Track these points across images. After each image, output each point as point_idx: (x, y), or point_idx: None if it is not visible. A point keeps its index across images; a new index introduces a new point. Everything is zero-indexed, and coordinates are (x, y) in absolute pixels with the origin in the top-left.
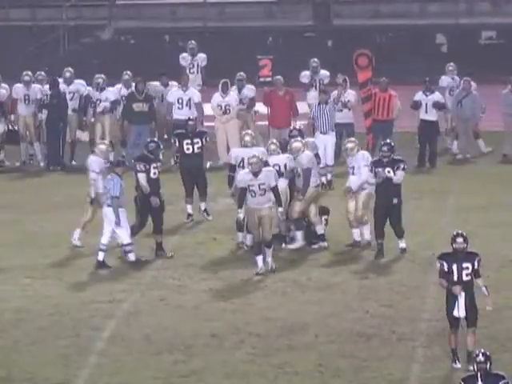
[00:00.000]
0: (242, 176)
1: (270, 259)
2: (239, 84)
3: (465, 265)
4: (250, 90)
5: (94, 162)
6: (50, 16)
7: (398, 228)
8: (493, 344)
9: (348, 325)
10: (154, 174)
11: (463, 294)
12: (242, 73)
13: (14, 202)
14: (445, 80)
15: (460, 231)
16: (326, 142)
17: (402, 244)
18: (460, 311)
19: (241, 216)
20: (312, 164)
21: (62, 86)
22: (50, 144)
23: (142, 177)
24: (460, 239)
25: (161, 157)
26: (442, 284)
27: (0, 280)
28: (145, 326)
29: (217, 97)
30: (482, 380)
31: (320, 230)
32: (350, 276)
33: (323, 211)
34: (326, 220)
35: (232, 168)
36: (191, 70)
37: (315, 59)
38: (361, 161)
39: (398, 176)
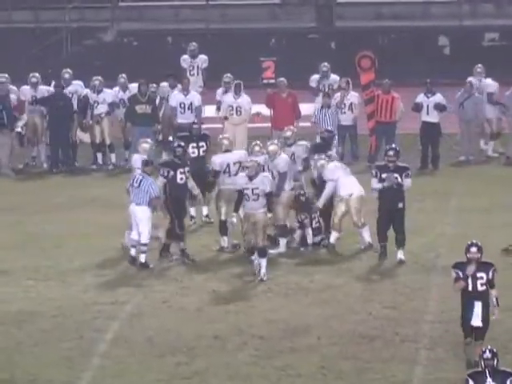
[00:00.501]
0: (240, 179)
1: (263, 270)
2: (226, 86)
3: (479, 275)
4: (227, 93)
5: (138, 160)
6: (53, 18)
7: (401, 235)
8: (495, 346)
9: (351, 327)
10: (181, 179)
11: (479, 303)
12: (229, 75)
13: (16, 203)
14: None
15: (474, 241)
16: None
17: (401, 255)
18: (477, 320)
19: (234, 220)
20: (288, 168)
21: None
22: (54, 146)
23: (160, 181)
24: (474, 249)
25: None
26: (459, 285)
27: (3, 282)
28: (148, 328)
29: (229, 97)
30: (489, 376)
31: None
32: (353, 278)
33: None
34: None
35: (216, 174)
36: (191, 72)
37: (325, 63)
38: (329, 175)
39: (406, 183)
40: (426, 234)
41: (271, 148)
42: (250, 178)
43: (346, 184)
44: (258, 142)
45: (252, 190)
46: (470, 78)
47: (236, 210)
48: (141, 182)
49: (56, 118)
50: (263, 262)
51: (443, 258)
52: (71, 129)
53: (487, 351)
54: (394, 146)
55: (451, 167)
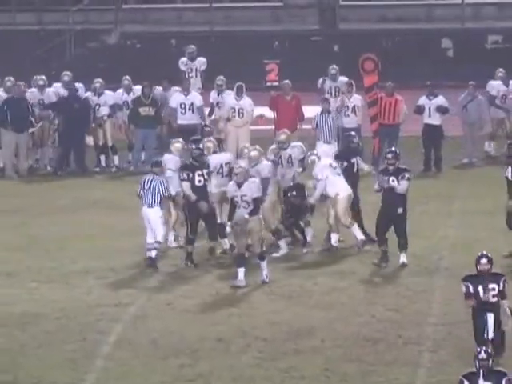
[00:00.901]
0: (230, 187)
1: (264, 272)
2: (219, 89)
3: (491, 286)
4: (228, 96)
5: (170, 160)
6: (57, 20)
7: (403, 239)
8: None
9: (354, 329)
10: (199, 181)
11: (492, 314)
12: (222, 77)
13: (20, 205)
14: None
15: (484, 252)
16: (328, 152)
17: (403, 259)
18: (490, 333)
19: (227, 229)
20: (270, 173)
21: (61, 90)
22: (65, 149)
23: (185, 185)
24: (484, 260)
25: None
26: (469, 304)
27: (7, 283)
28: (151, 330)
29: (231, 100)
30: (484, 377)
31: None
32: (356, 281)
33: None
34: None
35: (208, 175)
36: (190, 75)
37: (334, 66)
38: (318, 173)
39: (401, 186)
40: (429, 237)
41: (253, 154)
42: (239, 185)
43: (334, 184)
44: (247, 144)
45: (241, 197)
46: (491, 81)
47: (230, 218)
48: (151, 182)
49: (71, 121)
50: (263, 264)
51: (446, 261)
52: (86, 131)
53: (482, 352)
54: (393, 149)
55: (454, 169)
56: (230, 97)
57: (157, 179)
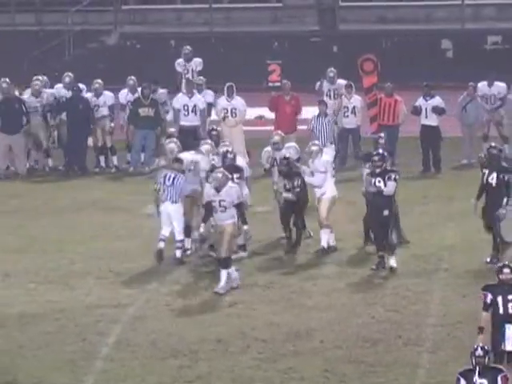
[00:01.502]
0: (207, 190)
1: (221, 284)
2: (199, 88)
3: (510, 297)
4: (208, 96)
5: (203, 160)
6: (56, 21)
7: (389, 243)
8: None
9: (354, 330)
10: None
11: (511, 326)
12: (201, 77)
13: (19, 206)
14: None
15: (507, 262)
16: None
17: (392, 262)
18: (508, 344)
19: (201, 230)
20: (247, 173)
21: (63, 91)
22: (71, 149)
23: (207, 187)
24: (507, 270)
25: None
26: (483, 320)
27: (5, 284)
28: (150, 331)
29: (222, 100)
30: (480, 373)
31: (240, 240)
32: (356, 281)
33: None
34: None
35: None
36: (186, 76)
37: (332, 69)
38: (318, 166)
39: (388, 187)
40: (429, 238)
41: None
42: (217, 190)
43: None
44: (228, 142)
45: (219, 201)
46: (478, 84)
47: (204, 221)
48: (174, 179)
49: (75, 121)
50: (223, 273)
51: (446, 262)
52: (90, 132)
53: (479, 349)
54: (380, 151)
55: (453, 170)
56: (221, 98)
57: (179, 176)
